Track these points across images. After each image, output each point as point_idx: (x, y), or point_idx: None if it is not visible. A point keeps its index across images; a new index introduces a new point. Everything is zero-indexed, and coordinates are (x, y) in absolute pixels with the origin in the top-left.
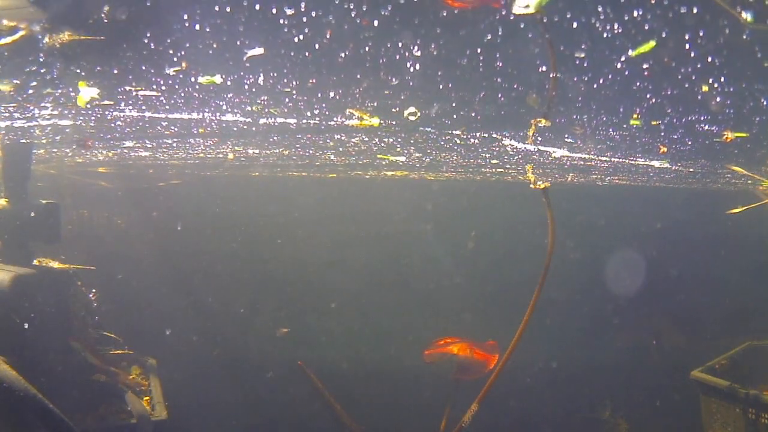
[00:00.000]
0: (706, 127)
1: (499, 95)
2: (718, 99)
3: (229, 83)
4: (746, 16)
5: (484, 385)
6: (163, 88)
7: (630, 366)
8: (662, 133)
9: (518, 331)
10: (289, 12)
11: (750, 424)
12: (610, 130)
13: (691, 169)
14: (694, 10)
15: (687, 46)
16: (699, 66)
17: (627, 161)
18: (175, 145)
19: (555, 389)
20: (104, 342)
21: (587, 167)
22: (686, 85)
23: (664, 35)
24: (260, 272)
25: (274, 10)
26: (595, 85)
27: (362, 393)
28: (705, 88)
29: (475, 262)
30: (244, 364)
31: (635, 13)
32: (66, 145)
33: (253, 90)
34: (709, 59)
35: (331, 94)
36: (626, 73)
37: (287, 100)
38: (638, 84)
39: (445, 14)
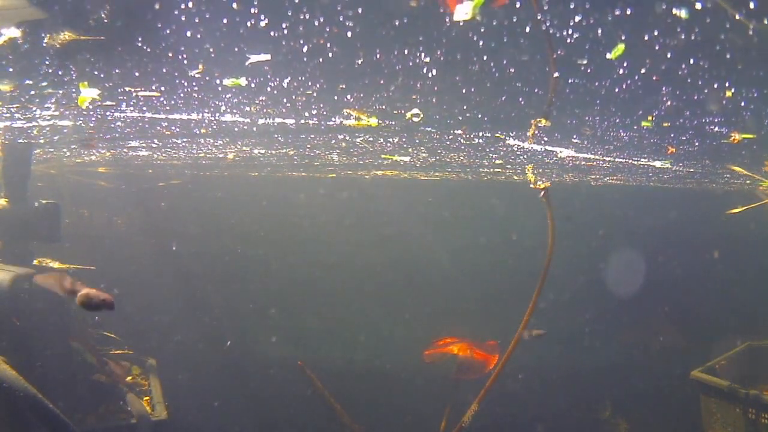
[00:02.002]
0: (716, 128)
1: (517, 98)
2: (741, 104)
3: (252, 85)
4: (680, 12)
5: (484, 385)
6: (163, 88)
7: (630, 366)
8: (672, 134)
9: (518, 331)
10: (298, 20)
11: (750, 424)
12: (621, 131)
13: (692, 170)
14: (710, 17)
15: (703, 50)
16: (716, 69)
17: (630, 162)
18: (183, 144)
19: (555, 389)
20: (104, 342)
21: (588, 167)
22: (706, 90)
23: (684, 41)
24: (260, 272)
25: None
26: (616, 89)
27: (362, 393)
28: (729, 94)
29: (475, 262)
30: (244, 364)
31: (648, 15)
32: (65, 144)
33: (256, 91)
34: (725, 63)
35: (336, 96)
36: (635, 77)
37: (285, 100)
38: (652, 87)
39: (449, 19)
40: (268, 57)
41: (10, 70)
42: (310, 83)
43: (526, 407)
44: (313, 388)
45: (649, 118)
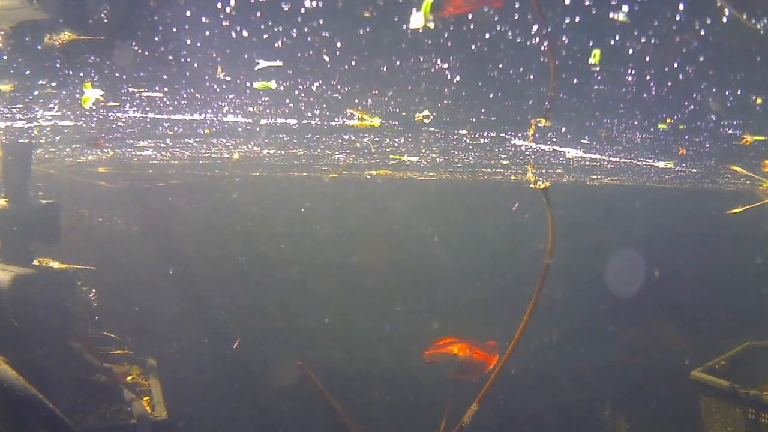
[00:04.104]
0: (730, 131)
1: (527, 101)
2: None
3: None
4: (619, 16)
5: (484, 385)
6: (165, 89)
7: (630, 366)
8: (686, 136)
9: (518, 331)
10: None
11: (750, 424)
12: (637, 132)
13: (694, 170)
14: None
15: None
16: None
17: (634, 162)
18: (193, 144)
19: (555, 389)
20: (104, 342)
21: (591, 167)
22: (727, 93)
23: (703, 46)
24: (260, 272)
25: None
26: (645, 95)
27: (362, 393)
28: (759, 101)
29: (475, 262)
30: (244, 364)
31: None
32: (67, 144)
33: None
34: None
35: (356, 99)
36: (653, 81)
37: (287, 100)
38: (677, 91)
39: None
40: (279, 63)
41: (27, 72)
42: (336, 85)
43: (526, 407)
44: (313, 388)
45: (668, 120)
